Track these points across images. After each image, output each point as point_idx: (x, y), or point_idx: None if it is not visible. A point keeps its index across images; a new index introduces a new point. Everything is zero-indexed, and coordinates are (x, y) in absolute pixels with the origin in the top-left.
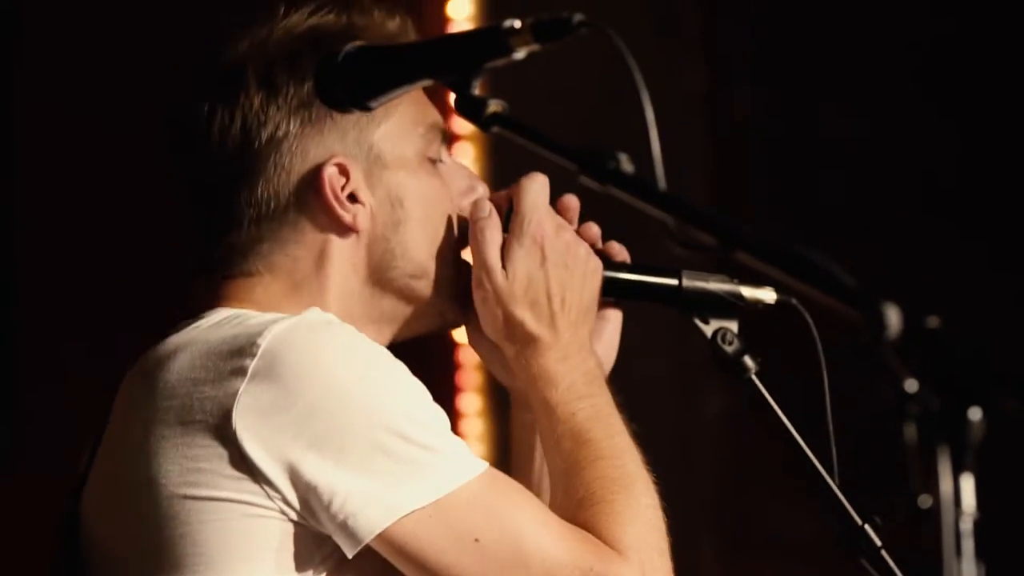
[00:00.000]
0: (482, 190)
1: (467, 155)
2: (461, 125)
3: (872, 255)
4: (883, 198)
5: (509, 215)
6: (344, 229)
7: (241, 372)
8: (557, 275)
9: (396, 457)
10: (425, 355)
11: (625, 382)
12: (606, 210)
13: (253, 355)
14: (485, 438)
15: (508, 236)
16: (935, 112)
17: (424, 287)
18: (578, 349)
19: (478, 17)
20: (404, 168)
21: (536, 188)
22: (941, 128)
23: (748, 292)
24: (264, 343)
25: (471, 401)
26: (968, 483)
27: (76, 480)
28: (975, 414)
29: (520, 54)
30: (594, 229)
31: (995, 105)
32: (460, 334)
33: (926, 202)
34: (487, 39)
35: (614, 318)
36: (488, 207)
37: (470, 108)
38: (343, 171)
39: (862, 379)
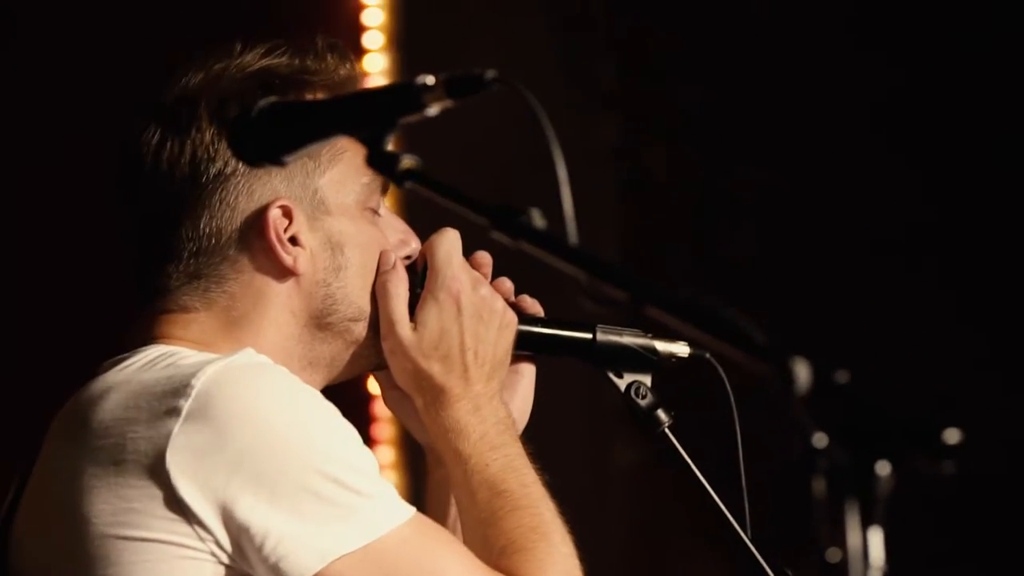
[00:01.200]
0: (415, 243)
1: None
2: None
3: (784, 311)
4: (794, 253)
5: (424, 272)
6: (284, 271)
7: (175, 413)
8: (472, 327)
9: (328, 500)
10: (340, 407)
11: (537, 433)
12: (520, 265)
13: (187, 396)
14: (399, 490)
15: (424, 290)
16: (843, 166)
17: (362, 329)
18: (489, 400)
19: (393, 72)
20: (346, 215)
21: (447, 242)
22: (851, 180)
23: (662, 346)
24: (198, 384)
25: (385, 454)
26: (876, 537)
27: (3, 514)
28: (883, 468)
29: (433, 110)
30: (507, 284)
31: (919, 161)
32: (375, 386)
33: (836, 257)
34: (400, 95)
35: (528, 372)
36: (392, 259)
37: (383, 163)
38: (287, 213)
39: (772, 433)
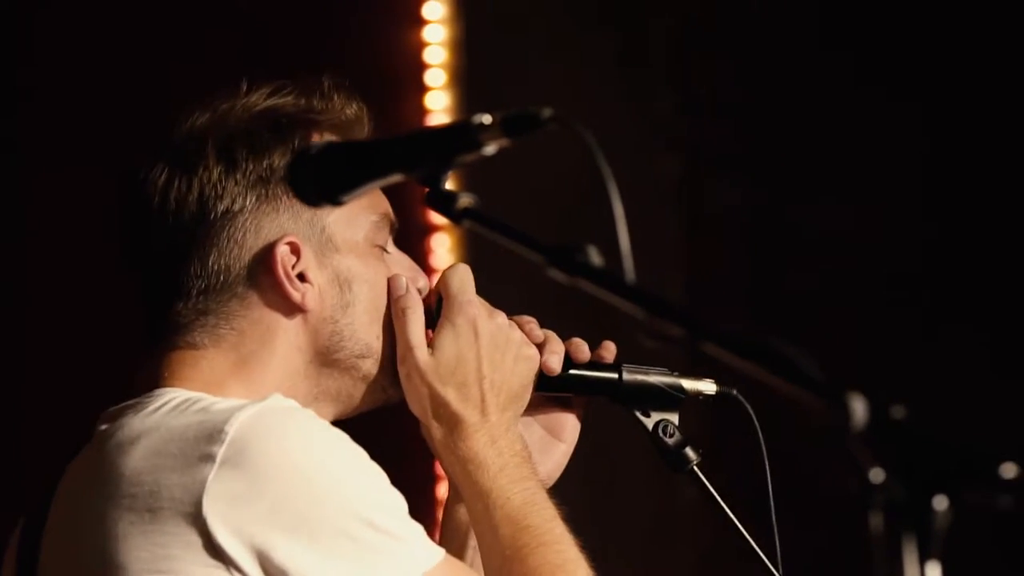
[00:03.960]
0: (423, 281)
1: (443, 245)
2: (438, 215)
3: (844, 347)
4: (856, 291)
5: (439, 306)
6: (292, 307)
7: (210, 459)
8: (489, 356)
9: (363, 543)
10: (403, 443)
11: (608, 468)
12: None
13: (221, 442)
14: None
15: (441, 317)
16: (906, 203)
17: (370, 366)
18: (506, 431)
19: (455, 110)
20: (354, 252)
21: (461, 272)
22: (912, 221)
23: (689, 384)
24: (231, 430)
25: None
26: (934, 572)
27: (23, 562)
28: (940, 503)
29: (490, 149)
30: (535, 329)
31: (966, 198)
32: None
33: (896, 294)
34: (457, 134)
35: (568, 441)
36: (405, 283)
37: (441, 202)
38: (295, 250)
39: (829, 468)
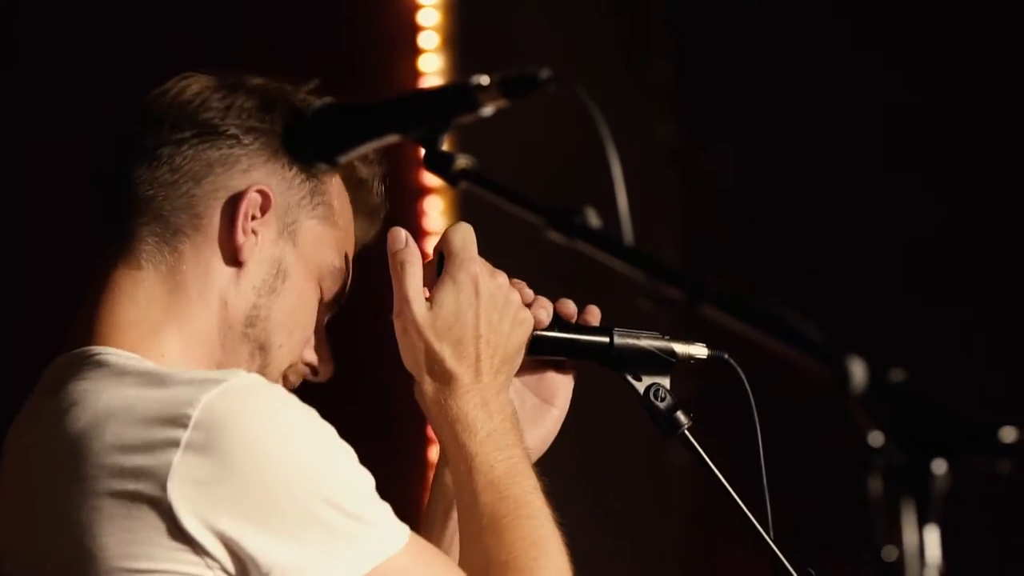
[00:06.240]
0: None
1: (436, 208)
2: (431, 178)
3: (841, 316)
4: (853, 261)
5: (440, 263)
6: (232, 251)
7: (174, 443)
8: (487, 315)
9: (330, 527)
10: (396, 405)
11: (599, 436)
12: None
13: (185, 425)
14: None
15: (443, 272)
16: (904, 175)
17: (261, 362)
18: (496, 394)
19: (448, 72)
20: (304, 264)
21: (463, 232)
22: (912, 191)
23: (680, 348)
24: (195, 413)
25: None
26: (933, 536)
27: None
28: (939, 467)
29: (488, 110)
30: (526, 288)
31: (967, 170)
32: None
33: (895, 265)
34: (454, 95)
35: (560, 406)
36: (404, 236)
37: (438, 163)
38: (264, 208)
39: (830, 432)
